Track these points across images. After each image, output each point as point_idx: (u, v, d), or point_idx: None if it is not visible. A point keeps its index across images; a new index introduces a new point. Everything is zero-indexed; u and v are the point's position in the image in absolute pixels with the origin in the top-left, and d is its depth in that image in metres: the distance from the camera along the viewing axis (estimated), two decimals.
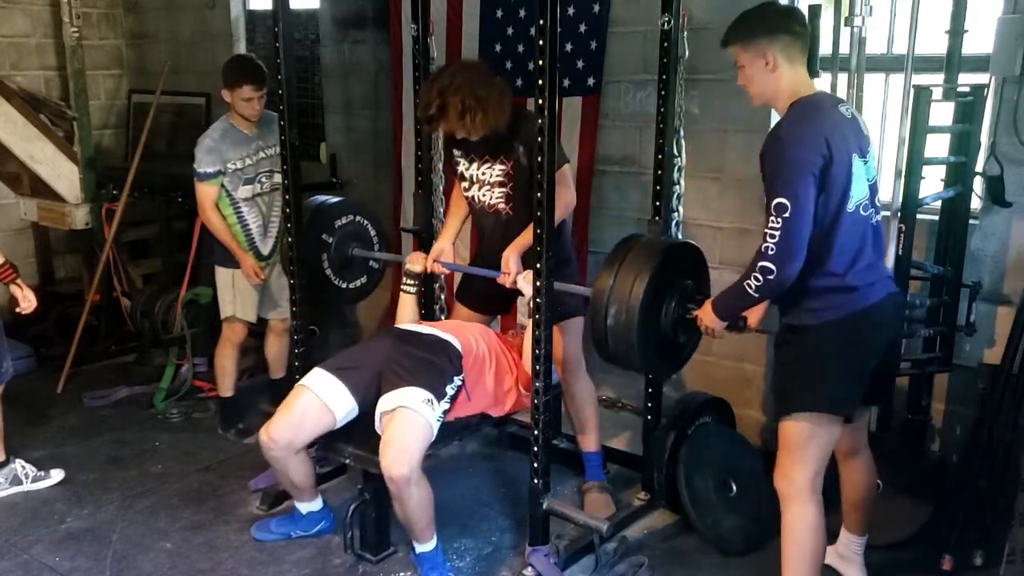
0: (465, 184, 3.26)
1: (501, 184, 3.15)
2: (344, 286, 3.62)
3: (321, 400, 2.92)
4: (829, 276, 2.38)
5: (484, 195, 3.20)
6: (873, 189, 2.46)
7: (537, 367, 2.76)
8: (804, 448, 2.49)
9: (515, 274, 3.03)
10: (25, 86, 5.08)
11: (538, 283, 2.70)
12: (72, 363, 4.68)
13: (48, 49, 5.55)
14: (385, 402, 2.84)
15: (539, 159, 2.61)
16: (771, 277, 2.31)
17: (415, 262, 3.34)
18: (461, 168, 3.25)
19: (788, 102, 2.42)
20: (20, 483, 3.59)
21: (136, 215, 5.07)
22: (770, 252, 2.29)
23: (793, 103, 2.41)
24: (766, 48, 2.40)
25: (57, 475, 3.68)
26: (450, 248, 3.35)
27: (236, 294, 3.97)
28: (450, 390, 2.91)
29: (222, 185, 3.84)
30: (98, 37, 5.92)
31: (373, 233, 3.69)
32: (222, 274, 4.00)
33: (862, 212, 2.40)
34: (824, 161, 2.29)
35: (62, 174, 4.82)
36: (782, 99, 2.44)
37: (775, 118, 3.61)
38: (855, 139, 2.41)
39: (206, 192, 3.82)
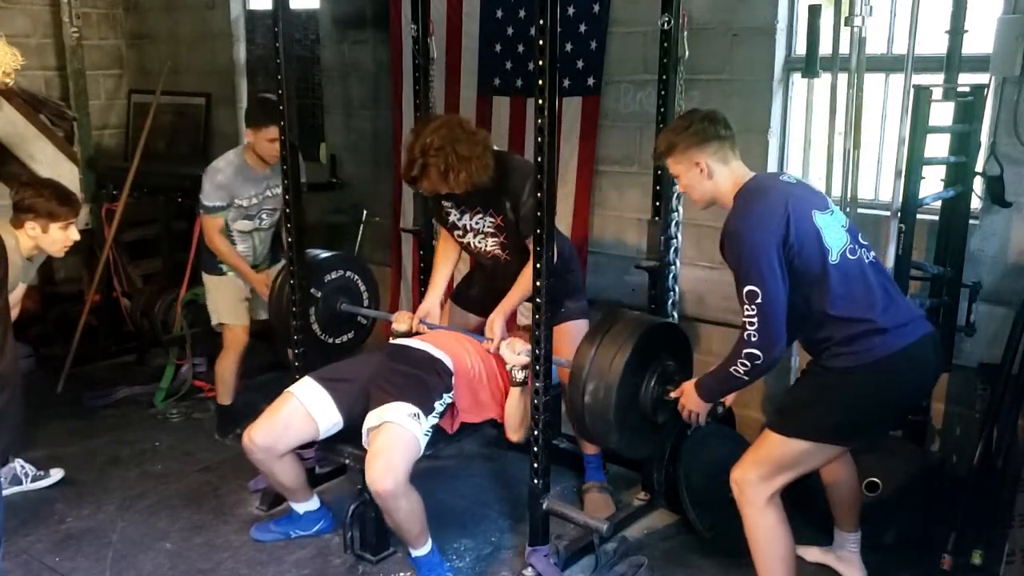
0: (459, 232, 3.21)
1: (494, 235, 3.13)
2: (331, 342, 3.56)
3: (306, 409, 2.92)
4: (857, 323, 2.37)
5: (480, 243, 3.19)
6: (852, 232, 2.48)
7: (537, 367, 2.76)
8: (787, 469, 2.51)
9: (499, 340, 3.02)
10: (25, 86, 5.07)
11: (538, 282, 2.70)
12: (72, 363, 4.68)
13: (48, 49, 5.55)
14: (371, 418, 2.83)
15: (539, 159, 2.60)
16: (759, 363, 2.36)
17: (401, 322, 3.31)
18: (453, 218, 3.19)
19: (732, 195, 2.49)
20: (20, 483, 3.59)
21: (136, 215, 5.07)
22: (753, 339, 2.34)
23: (737, 193, 2.47)
24: (697, 157, 2.48)
25: (57, 475, 3.68)
26: (437, 309, 3.33)
27: (227, 301, 3.97)
28: (439, 406, 2.91)
29: None
30: (98, 37, 5.91)
31: (363, 288, 3.66)
32: (212, 281, 4.00)
33: (849, 256, 2.42)
34: (782, 233, 2.33)
35: (62, 174, 4.80)
36: (726, 196, 2.51)
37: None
38: (809, 198, 2.45)
39: (212, 223, 3.83)
